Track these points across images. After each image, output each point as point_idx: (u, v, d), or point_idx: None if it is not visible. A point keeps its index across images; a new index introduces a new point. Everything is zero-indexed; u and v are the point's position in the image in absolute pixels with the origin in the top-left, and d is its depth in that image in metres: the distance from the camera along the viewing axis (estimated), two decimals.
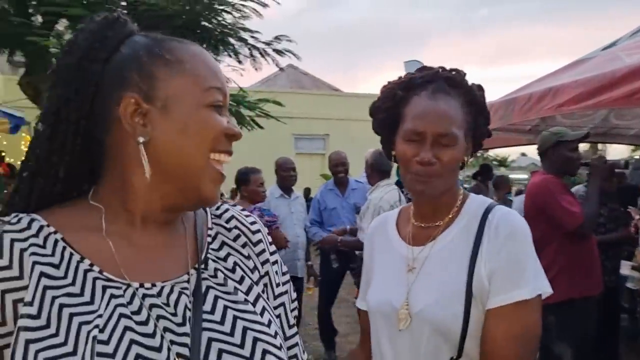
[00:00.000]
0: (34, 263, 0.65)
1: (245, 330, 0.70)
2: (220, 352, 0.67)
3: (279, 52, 7.43)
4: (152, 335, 0.65)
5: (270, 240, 0.86)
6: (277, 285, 0.82)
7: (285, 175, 4.56)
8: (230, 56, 7.34)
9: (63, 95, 0.70)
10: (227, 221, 0.82)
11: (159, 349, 0.64)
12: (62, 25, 6.95)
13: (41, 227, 0.68)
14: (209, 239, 0.79)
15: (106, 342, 0.62)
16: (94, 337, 0.62)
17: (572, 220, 2.74)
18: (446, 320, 1.05)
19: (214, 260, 0.76)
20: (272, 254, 0.84)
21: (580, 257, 2.80)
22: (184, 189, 0.71)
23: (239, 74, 8.06)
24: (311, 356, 4.69)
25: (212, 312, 0.70)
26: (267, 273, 0.81)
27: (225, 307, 0.71)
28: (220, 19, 6.93)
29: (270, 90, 11.50)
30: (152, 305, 0.67)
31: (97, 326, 0.63)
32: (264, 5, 6.95)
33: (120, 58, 0.71)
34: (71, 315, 0.63)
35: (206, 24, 6.89)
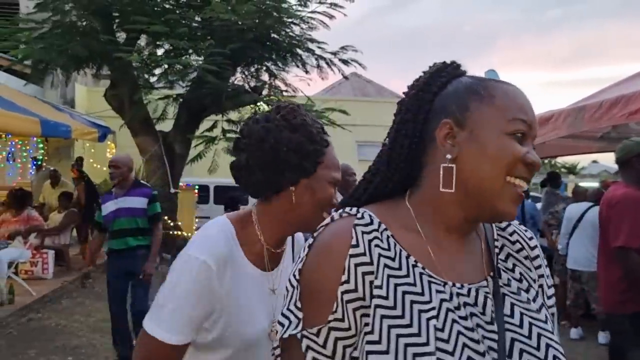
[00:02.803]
0: (379, 255, 0.77)
1: (539, 336, 0.78)
2: (522, 351, 0.75)
3: (345, 61, 7.56)
4: (472, 330, 0.75)
5: (541, 254, 0.93)
6: (549, 297, 0.90)
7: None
8: (297, 66, 7.56)
9: (404, 118, 0.86)
10: (511, 234, 0.91)
11: (478, 342, 0.74)
12: (143, 41, 7.45)
13: (379, 224, 0.80)
14: (497, 250, 0.88)
15: (442, 330, 0.73)
16: (434, 325, 0.72)
17: (622, 239, 2.69)
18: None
19: (504, 270, 0.85)
20: (546, 266, 0.91)
21: None
22: (481, 205, 0.80)
23: (306, 84, 8.24)
24: None
25: (511, 316, 0.79)
26: (541, 286, 0.89)
27: (522, 314, 0.80)
28: (288, 30, 7.16)
29: (335, 98, 11.64)
30: (465, 304, 0.77)
31: (433, 316, 0.73)
32: (331, 17, 7.12)
33: (446, 92, 0.85)
34: (412, 303, 0.74)
35: (276, 36, 7.14)
